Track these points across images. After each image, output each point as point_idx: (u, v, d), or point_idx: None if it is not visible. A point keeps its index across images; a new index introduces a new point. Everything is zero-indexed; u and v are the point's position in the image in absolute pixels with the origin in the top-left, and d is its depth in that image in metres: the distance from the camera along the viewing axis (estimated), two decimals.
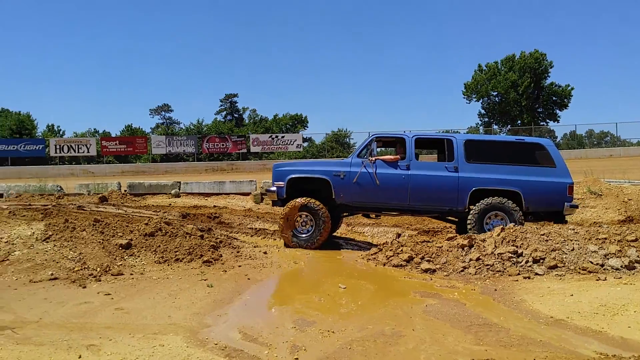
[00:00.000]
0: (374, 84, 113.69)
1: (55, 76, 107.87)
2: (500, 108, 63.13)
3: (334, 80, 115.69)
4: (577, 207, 9.66)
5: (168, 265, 7.93)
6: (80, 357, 4.42)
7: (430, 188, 9.51)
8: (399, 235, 10.94)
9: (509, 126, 60.68)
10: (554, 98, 61.79)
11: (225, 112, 78.09)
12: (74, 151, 39.70)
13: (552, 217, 9.61)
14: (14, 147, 39.68)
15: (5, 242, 8.22)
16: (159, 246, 8.40)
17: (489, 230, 8.93)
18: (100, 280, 7.15)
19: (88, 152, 40.02)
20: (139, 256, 8.12)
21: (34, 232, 8.51)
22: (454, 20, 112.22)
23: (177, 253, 8.28)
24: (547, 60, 60.85)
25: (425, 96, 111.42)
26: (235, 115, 77.91)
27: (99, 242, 8.32)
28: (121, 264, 7.79)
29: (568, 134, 57.37)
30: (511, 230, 8.17)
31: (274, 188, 10.09)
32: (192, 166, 39.69)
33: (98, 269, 7.50)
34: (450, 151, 9.55)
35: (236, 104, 78.45)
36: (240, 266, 8.10)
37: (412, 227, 11.97)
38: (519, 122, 61.07)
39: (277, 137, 45.02)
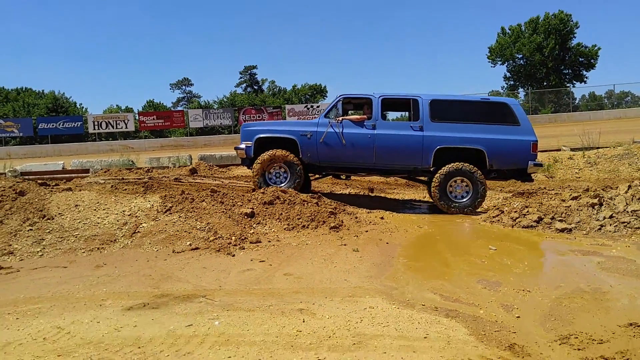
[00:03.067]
0: (392, 49, 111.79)
1: (73, 53, 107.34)
2: (526, 71, 62.10)
3: (350, 47, 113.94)
4: (541, 165, 9.87)
5: (297, 231, 7.92)
6: (304, 321, 4.43)
7: (396, 147, 9.66)
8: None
9: (534, 88, 59.76)
10: (580, 59, 60.53)
11: (245, 84, 77.72)
12: (112, 127, 39.74)
13: (517, 175, 9.87)
14: (53, 125, 39.73)
15: (129, 215, 8.26)
16: (281, 214, 8.39)
17: (452, 194, 9.52)
18: (244, 249, 7.17)
19: (126, 127, 40.03)
20: (265, 224, 8.12)
21: (152, 205, 8.54)
22: None
23: (300, 220, 8.26)
24: (572, 21, 59.46)
25: (446, 61, 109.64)
26: (254, 87, 77.51)
27: (222, 211, 8.32)
28: (253, 232, 7.81)
29: (587, 95, 56.42)
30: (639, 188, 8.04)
31: (242, 146, 10.18)
32: (229, 138, 39.47)
33: (233, 238, 7.52)
34: (416, 111, 9.69)
35: (255, 76, 78.03)
36: (367, 231, 8.06)
37: (505, 189, 11.86)
38: (545, 83, 60.07)
39: (312, 106, 44.81)
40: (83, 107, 57.31)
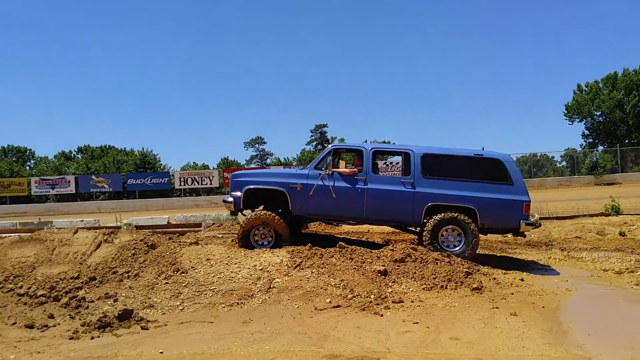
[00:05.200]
0: (463, 106, 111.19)
1: (151, 112, 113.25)
2: (606, 128, 59.91)
3: (420, 100, 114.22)
4: (533, 224, 9.50)
5: (437, 292, 7.53)
6: None
7: (386, 202, 9.45)
8: None
9: (616, 146, 57.35)
10: None
11: (315, 142, 78.88)
12: (197, 183, 40.97)
13: (509, 232, 9.77)
14: (140, 181, 41.48)
15: (260, 270, 8.15)
16: (415, 272, 8.05)
17: (444, 243, 9.27)
18: (389, 308, 6.85)
19: (211, 183, 41.15)
20: (401, 283, 7.78)
21: (282, 260, 8.41)
22: (543, 39, 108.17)
23: (436, 279, 7.88)
24: None
25: (518, 119, 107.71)
26: (324, 144, 78.57)
27: (354, 268, 8.07)
28: (392, 291, 7.48)
29: None
30: None
31: (230, 199, 9.86)
32: None
33: (372, 297, 7.22)
34: (407, 165, 9.53)
35: (326, 134, 79.16)
36: (512, 294, 7.56)
37: (635, 251, 11.03)
38: (627, 141, 57.56)
39: (391, 163, 44.79)
40: (167, 164, 60.17)
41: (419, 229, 10.02)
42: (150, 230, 11.44)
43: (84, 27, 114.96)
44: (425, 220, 9.38)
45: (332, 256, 8.49)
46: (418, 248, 8.77)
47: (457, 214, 9.22)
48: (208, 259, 8.47)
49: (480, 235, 9.63)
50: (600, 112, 59.49)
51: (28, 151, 66.08)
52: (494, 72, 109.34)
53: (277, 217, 9.45)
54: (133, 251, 8.58)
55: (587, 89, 61.25)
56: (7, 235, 12.11)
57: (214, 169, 47.02)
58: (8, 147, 64.22)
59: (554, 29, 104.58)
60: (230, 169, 45.80)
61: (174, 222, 15.37)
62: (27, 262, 8.41)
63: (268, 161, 74.77)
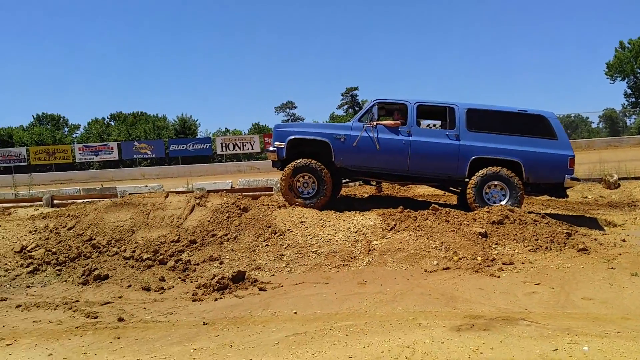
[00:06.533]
0: (501, 65, 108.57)
1: (184, 77, 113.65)
2: None
3: (454, 64, 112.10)
4: (578, 180, 9.59)
5: (543, 253, 7.42)
6: None
7: (431, 155, 9.42)
8: None
9: None
10: None
11: (346, 106, 78.01)
12: (239, 148, 41.15)
13: (552, 190, 9.55)
14: (183, 147, 41.77)
15: (356, 232, 8.14)
16: (515, 234, 7.94)
17: (490, 200, 9.20)
18: (502, 270, 6.80)
19: (252, 148, 41.33)
20: (504, 245, 7.69)
21: (375, 223, 8.39)
22: None
23: (538, 241, 7.76)
24: None
25: (560, 76, 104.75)
26: (355, 108, 77.69)
27: (452, 230, 8.01)
28: (497, 253, 7.41)
29: None
30: None
31: (273, 148, 9.84)
32: None
33: (479, 259, 7.17)
34: (452, 119, 9.44)
35: (357, 97, 78.10)
36: (620, 254, 7.44)
37: None
38: None
39: (430, 126, 44.32)
40: (207, 130, 60.10)
41: (460, 189, 10.04)
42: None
43: None
44: (467, 178, 9.34)
45: (427, 218, 8.43)
46: (515, 209, 8.64)
47: (500, 169, 9.14)
48: (302, 222, 8.50)
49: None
50: None
51: (61, 118, 66.90)
52: (530, 30, 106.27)
53: (320, 164, 9.46)
54: (227, 214, 8.65)
55: (630, 46, 58.99)
56: (92, 200, 12.34)
57: (253, 134, 47.08)
58: (43, 114, 65.11)
59: None
60: (270, 134, 45.65)
61: (237, 187, 15.46)
62: (124, 225, 8.55)
63: None
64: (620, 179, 13.07)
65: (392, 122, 9.69)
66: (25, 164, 42.47)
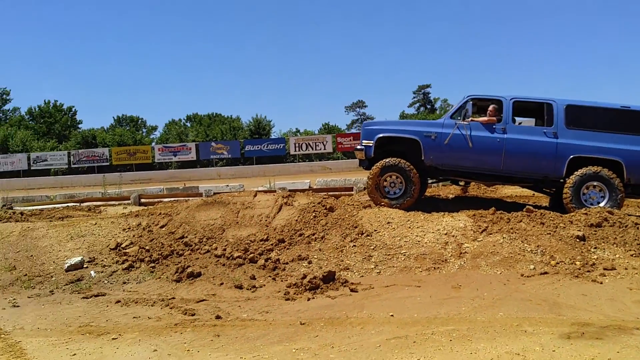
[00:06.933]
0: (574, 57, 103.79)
1: (255, 83, 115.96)
2: None
3: (508, 58, 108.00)
4: None
5: None
6: None
7: (527, 153, 9.02)
8: None
9: None
10: None
11: (418, 104, 76.61)
12: (312, 149, 41.52)
13: None
14: (258, 147, 42.62)
15: (445, 234, 7.98)
16: (615, 238, 7.54)
17: (587, 202, 8.74)
18: (604, 275, 6.48)
19: (324, 148, 41.57)
20: (604, 249, 7.31)
21: (465, 224, 8.19)
22: None
23: None
24: None
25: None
26: (427, 106, 76.20)
27: (548, 233, 7.69)
28: (596, 257, 7.06)
29: None
30: None
31: (360, 147, 9.56)
32: None
33: (578, 263, 6.85)
34: (550, 116, 9.00)
35: (429, 95, 76.56)
36: None
37: None
38: None
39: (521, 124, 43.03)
40: (281, 130, 60.92)
41: (553, 190, 9.60)
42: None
43: None
44: (564, 178, 8.94)
45: (521, 220, 8.16)
46: (614, 211, 8.22)
47: (601, 169, 8.67)
48: (389, 222, 8.43)
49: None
50: None
51: (140, 120, 69.70)
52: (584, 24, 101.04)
53: (409, 164, 9.24)
54: (314, 214, 8.71)
55: None
56: (178, 199, 12.81)
57: (324, 134, 47.33)
58: (123, 116, 68.10)
59: None
60: (342, 134, 45.93)
61: (315, 187, 15.58)
62: (215, 224, 8.78)
63: None
64: None
65: (486, 118, 9.36)
66: (107, 163, 44.58)
